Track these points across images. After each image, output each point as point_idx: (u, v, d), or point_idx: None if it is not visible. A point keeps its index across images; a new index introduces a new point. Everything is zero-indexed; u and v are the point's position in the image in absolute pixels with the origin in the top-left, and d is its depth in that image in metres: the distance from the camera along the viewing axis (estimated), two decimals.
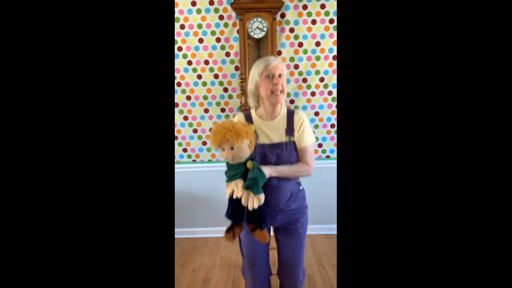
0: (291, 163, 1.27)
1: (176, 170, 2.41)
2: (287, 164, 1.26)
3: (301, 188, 1.36)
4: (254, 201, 1.11)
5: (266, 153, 1.24)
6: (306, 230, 1.38)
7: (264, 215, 1.17)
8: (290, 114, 1.30)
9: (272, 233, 1.41)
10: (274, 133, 1.27)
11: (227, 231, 1.19)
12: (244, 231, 1.32)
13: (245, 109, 2.11)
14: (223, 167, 1.25)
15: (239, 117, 1.34)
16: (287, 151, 1.25)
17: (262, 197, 1.13)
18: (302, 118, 1.28)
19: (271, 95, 1.23)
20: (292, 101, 2.34)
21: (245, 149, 1.14)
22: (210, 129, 1.19)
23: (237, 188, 1.14)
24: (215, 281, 2.04)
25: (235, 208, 1.18)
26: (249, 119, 1.32)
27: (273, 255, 1.51)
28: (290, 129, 1.27)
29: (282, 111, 1.31)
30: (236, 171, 1.15)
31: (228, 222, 1.21)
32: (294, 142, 1.27)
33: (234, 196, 1.16)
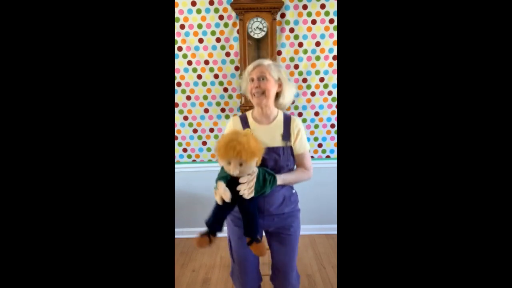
0: (288, 167, 1.28)
1: (176, 170, 2.41)
2: (284, 168, 1.26)
3: (293, 191, 1.36)
4: (248, 192, 1.10)
5: (264, 157, 1.20)
6: (298, 235, 1.38)
7: (258, 226, 1.17)
8: (287, 120, 1.31)
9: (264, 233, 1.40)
10: (270, 137, 1.27)
11: (202, 235, 1.16)
12: (236, 236, 1.32)
13: (245, 109, 2.11)
14: None
15: (234, 122, 1.33)
16: (284, 156, 1.25)
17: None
18: (299, 126, 1.30)
19: (252, 97, 1.27)
20: (292, 101, 2.34)
21: (253, 166, 1.13)
22: (217, 141, 1.16)
23: (226, 192, 1.09)
24: (215, 281, 2.04)
25: (218, 217, 1.17)
26: (245, 122, 1.32)
27: (266, 255, 1.50)
28: (286, 134, 1.28)
29: (278, 116, 1.32)
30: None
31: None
32: (290, 147, 1.27)
33: (221, 202, 1.12)
